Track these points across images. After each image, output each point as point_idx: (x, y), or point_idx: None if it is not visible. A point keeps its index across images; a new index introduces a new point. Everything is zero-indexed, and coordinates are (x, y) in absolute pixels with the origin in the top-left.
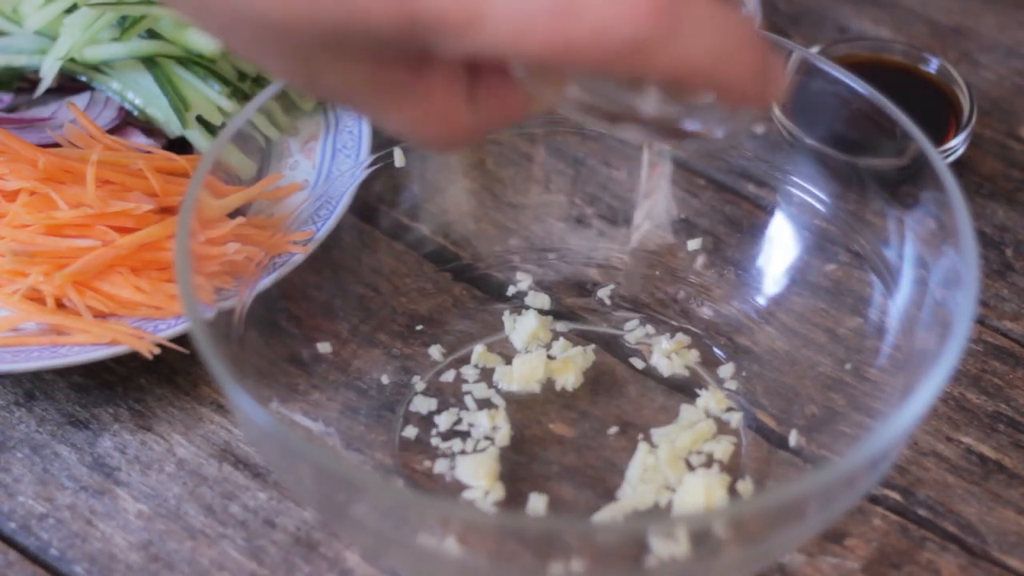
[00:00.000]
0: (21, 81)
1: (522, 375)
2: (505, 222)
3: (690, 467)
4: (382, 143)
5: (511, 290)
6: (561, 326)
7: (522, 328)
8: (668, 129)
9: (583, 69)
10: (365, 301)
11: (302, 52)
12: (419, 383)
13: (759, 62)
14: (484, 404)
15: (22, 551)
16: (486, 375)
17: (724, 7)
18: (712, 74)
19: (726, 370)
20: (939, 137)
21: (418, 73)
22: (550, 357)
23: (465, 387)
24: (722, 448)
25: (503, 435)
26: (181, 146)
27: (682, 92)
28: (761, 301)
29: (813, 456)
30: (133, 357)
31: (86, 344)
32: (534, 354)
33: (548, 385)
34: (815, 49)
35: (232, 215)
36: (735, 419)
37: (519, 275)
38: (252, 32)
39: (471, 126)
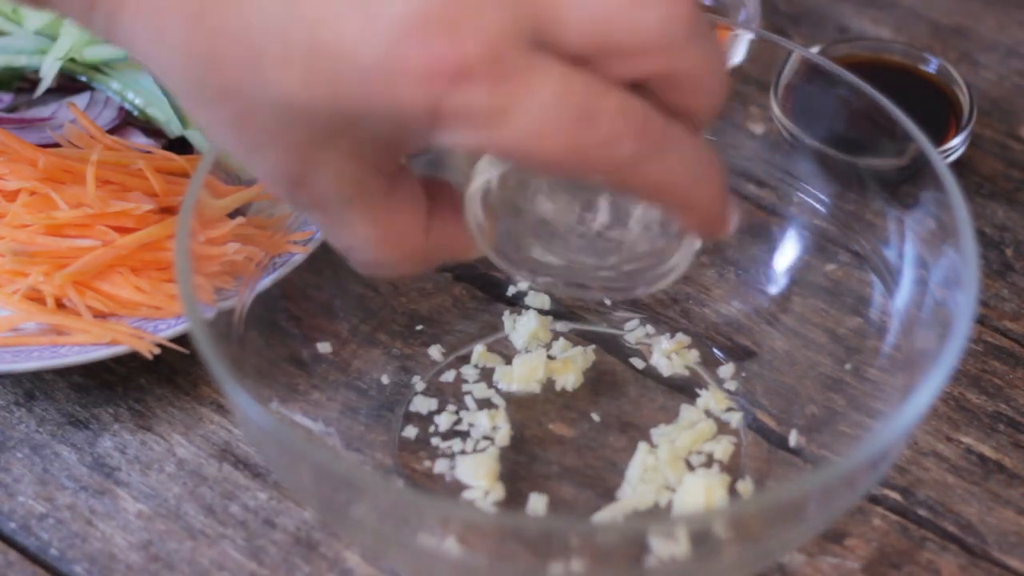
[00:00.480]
0: (21, 81)
1: (522, 375)
2: None
3: (690, 467)
4: None
5: (511, 290)
6: (561, 326)
7: (522, 328)
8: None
9: (584, 175)
10: (365, 301)
11: (305, 139)
12: (419, 383)
13: (722, 190)
14: (484, 404)
15: (22, 551)
16: (486, 375)
17: (696, 139)
18: (684, 194)
19: (726, 370)
20: (939, 137)
21: (394, 186)
22: (550, 357)
23: (465, 387)
24: (722, 448)
25: (503, 435)
26: (181, 146)
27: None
28: (761, 301)
29: (813, 456)
30: (133, 357)
31: (86, 344)
32: (534, 354)
33: (548, 385)
34: (815, 49)
35: (232, 215)
36: (735, 419)
37: None
38: (268, 117)
39: (422, 253)
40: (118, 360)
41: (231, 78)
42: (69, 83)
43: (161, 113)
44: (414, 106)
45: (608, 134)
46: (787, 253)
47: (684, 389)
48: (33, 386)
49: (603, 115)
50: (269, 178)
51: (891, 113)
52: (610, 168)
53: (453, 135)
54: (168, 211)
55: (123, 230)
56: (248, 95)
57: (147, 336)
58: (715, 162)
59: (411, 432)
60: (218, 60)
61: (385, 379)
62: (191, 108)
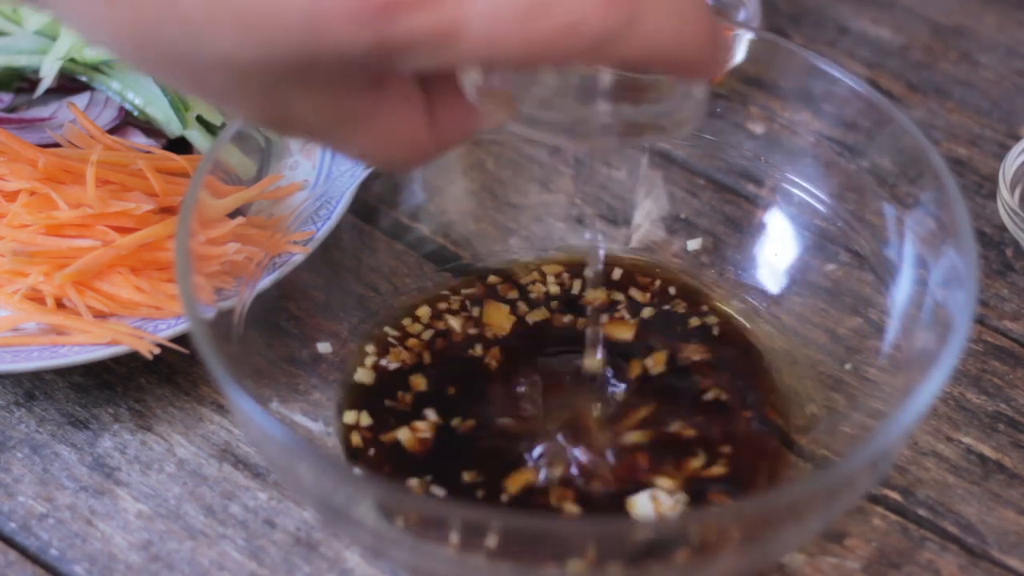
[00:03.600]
0: (21, 81)
1: None
2: (505, 222)
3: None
4: None
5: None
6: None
7: None
8: (623, 130)
9: (554, 64)
10: (365, 301)
11: (268, 87)
12: None
13: (710, 32)
14: None
15: (22, 551)
16: None
17: None
18: (671, 53)
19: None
20: None
21: (378, 97)
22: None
23: None
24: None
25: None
26: (181, 146)
27: (635, 90)
28: (761, 301)
29: (813, 456)
30: (133, 357)
31: (86, 344)
32: None
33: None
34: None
35: (232, 215)
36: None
37: None
38: (220, 76)
39: (430, 144)
40: (118, 360)
41: (166, 50)
42: (69, 83)
43: (161, 113)
44: (358, 46)
45: (567, 18)
46: (787, 253)
47: None
48: (33, 386)
49: (556, 4)
50: (252, 120)
51: (890, 112)
52: (585, 51)
53: (412, 60)
54: (168, 211)
55: (123, 230)
56: (192, 61)
57: (147, 336)
58: (695, 6)
59: None
60: (147, 35)
61: None
62: (148, 73)
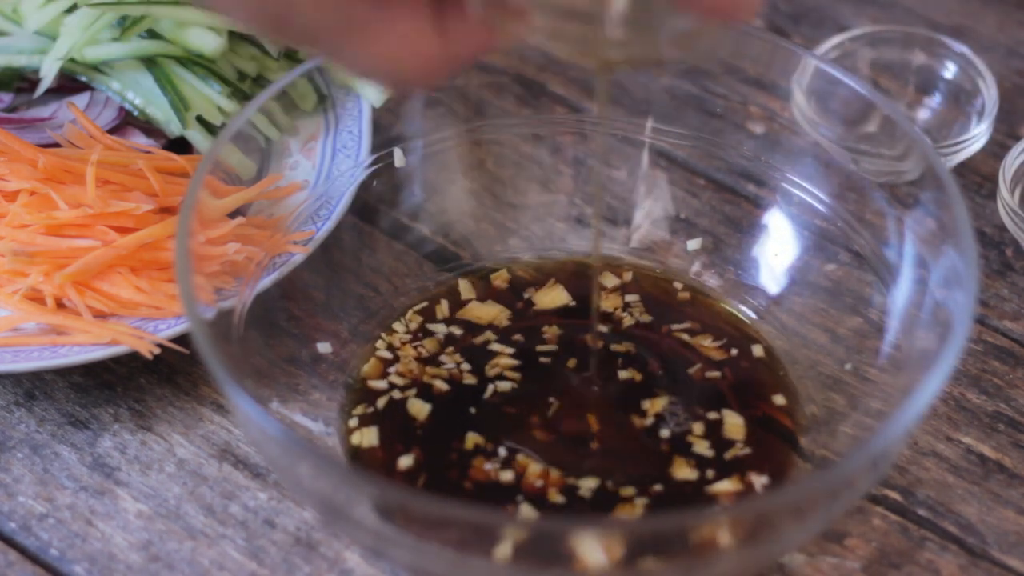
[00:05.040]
0: (21, 81)
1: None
2: (505, 222)
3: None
4: (382, 143)
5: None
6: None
7: None
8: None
9: None
10: (365, 301)
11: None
12: None
13: None
14: None
15: (22, 551)
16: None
17: None
18: None
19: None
20: None
21: (382, 6)
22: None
23: None
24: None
25: None
26: (181, 146)
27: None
28: (761, 301)
29: (813, 456)
30: (133, 357)
31: (86, 344)
32: None
33: None
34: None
35: (232, 215)
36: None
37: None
38: None
39: (441, 58)
40: (118, 360)
41: None
42: (69, 83)
43: (161, 113)
44: None
45: None
46: (787, 253)
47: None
48: (33, 386)
49: None
50: (255, 23)
51: (892, 113)
52: None
53: None
54: (168, 211)
55: (123, 230)
56: None
57: (147, 336)
58: None
59: None
60: None
61: None
62: None
